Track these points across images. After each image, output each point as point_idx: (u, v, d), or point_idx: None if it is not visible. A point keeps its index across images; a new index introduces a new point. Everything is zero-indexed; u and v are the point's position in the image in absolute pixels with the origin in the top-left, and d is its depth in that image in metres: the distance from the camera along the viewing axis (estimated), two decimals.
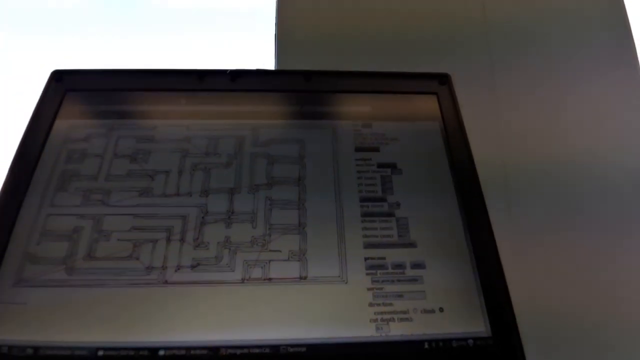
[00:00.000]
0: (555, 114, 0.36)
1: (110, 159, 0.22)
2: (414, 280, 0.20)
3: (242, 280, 0.19)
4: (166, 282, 0.19)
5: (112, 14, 0.57)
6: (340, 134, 0.23)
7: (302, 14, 0.35)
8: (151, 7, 0.58)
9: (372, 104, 0.24)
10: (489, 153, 0.32)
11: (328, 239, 0.20)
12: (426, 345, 0.18)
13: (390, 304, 0.19)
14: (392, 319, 0.18)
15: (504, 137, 0.35)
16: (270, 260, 0.19)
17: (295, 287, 0.19)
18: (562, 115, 0.36)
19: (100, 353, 0.17)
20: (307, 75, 0.25)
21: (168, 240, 0.20)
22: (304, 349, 0.18)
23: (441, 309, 0.19)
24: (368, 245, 0.20)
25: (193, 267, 0.19)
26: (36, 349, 0.17)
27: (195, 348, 0.17)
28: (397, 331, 0.18)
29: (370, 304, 0.19)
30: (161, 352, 0.17)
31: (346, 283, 0.19)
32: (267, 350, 0.17)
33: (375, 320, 0.18)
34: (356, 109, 0.24)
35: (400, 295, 0.19)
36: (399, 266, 0.20)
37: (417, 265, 0.20)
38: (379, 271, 0.20)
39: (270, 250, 0.20)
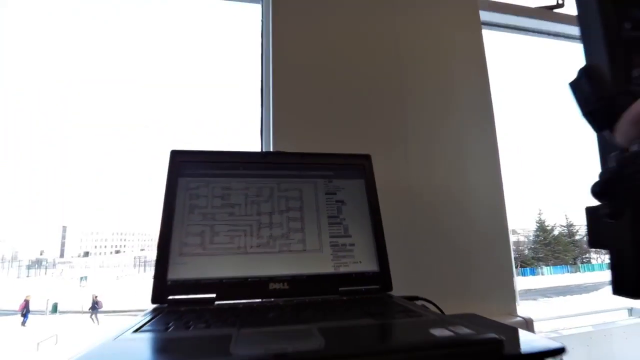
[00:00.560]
0: (432, 162, 0.66)
1: (211, 198, 0.47)
2: (350, 251, 0.47)
3: (279, 252, 0.45)
4: (247, 252, 0.44)
5: None
6: (318, 185, 0.50)
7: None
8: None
9: (333, 170, 0.52)
10: (394, 188, 0.61)
11: (314, 234, 0.47)
12: (353, 275, 0.45)
13: (340, 259, 0.46)
14: (340, 265, 0.45)
15: (403, 181, 0.64)
16: (290, 243, 0.46)
17: (301, 254, 0.45)
18: (437, 162, 0.66)
19: (224, 280, 0.42)
20: (302, 155, 0.52)
21: (245, 235, 0.45)
22: (304, 277, 0.44)
23: (360, 262, 0.46)
24: (331, 236, 0.47)
25: (257, 246, 0.45)
26: (197, 280, 0.42)
27: (256, 277, 0.43)
28: (342, 269, 0.45)
29: (332, 260, 0.46)
30: (249, 280, 0.43)
31: (322, 252, 0.46)
32: (288, 278, 0.44)
33: (334, 266, 0.45)
34: (325, 172, 0.51)
35: (344, 257, 0.46)
36: (344, 245, 0.47)
37: (351, 245, 0.47)
38: (336, 247, 0.47)
39: (290, 239, 0.46)
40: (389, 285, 0.45)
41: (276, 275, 0.44)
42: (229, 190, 0.48)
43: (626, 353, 0.89)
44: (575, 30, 1.05)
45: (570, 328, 0.91)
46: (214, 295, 0.42)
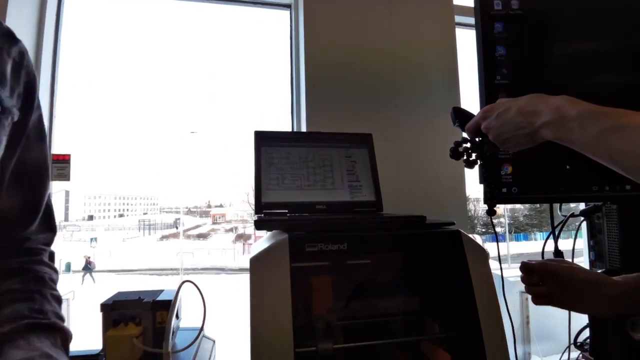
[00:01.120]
0: (412, 138, 1.02)
1: (280, 159, 0.83)
2: (359, 189, 0.84)
3: (320, 189, 0.82)
4: (302, 188, 0.81)
5: None
6: (340, 152, 0.86)
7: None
8: None
9: (349, 142, 0.87)
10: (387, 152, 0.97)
11: (339, 179, 0.84)
12: (361, 202, 0.83)
13: (354, 193, 0.83)
14: (354, 196, 0.83)
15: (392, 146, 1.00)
16: (325, 184, 0.82)
17: (332, 190, 0.82)
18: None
19: (291, 203, 0.79)
20: (331, 134, 0.87)
21: (301, 179, 0.82)
22: (334, 203, 0.81)
23: (365, 195, 0.83)
24: (349, 180, 0.84)
25: (308, 185, 0.82)
26: (277, 202, 0.79)
27: (308, 202, 0.80)
28: (355, 199, 0.82)
29: (349, 194, 0.83)
30: (304, 203, 0.80)
31: (343, 189, 0.83)
32: (325, 203, 0.81)
33: (350, 197, 0.82)
34: (344, 144, 0.87)
35: (356, 192, 0.83)
36: (355, 185, 0.84)
37: (360, 186, 0.84)
38: (351, 187, 0.83)
39: (325, 182, 0.83)
40: (380, 207, 0.83)
41: (319, 201, 0.81)
42: (290, 154, 0.84)
43: None
44: None
45: None
46: (286, 211, 0.78)
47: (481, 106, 0.69)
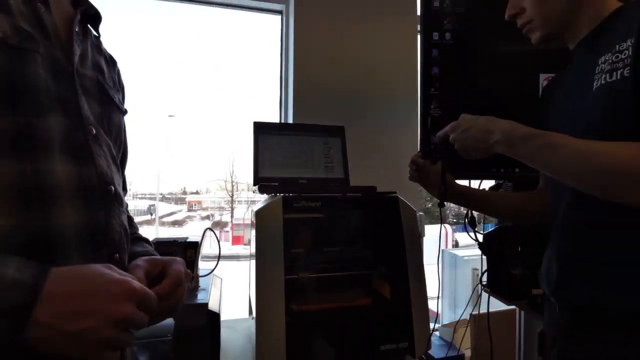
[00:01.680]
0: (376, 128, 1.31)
1: (274, 143, 1.10)
2: (332, 168, 1.12)
3: (304, 167, 1.10)
4: (289, 167, 1.09)
5: None
6: (320, 140, 1.14)
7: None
8: None
9: (327, 132, 1.15)
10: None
11: (318, 160, 1.12)
12: (333, 178, 1.11)
13: (328, 172, 1.11)
14: (328, 173, 1.11)
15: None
16: (307, 163, 1.10)
17: (313, 168, 1.10)
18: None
19: (281, 177, 1.07)
20: (313, 125, 1.15)
21: (289, 158, 1.10)
22: (313, 178, 1.09)
23: (337, 172, 1.12)
24: (325, 162, 1.12)
25: (296, 164, 1.09)
26: (271, 177, 1.06)
27: (294, 177, 1.08)
28: (329, 175, 1.11)
29: (324, 171, 1.11)
30: (289, 177, 1.07)
31: (321, 168, 1.11)
32: (307, 178, 1.09)
33: (325, 174, 1.11)
34: (323, 133, 1.15)
35: (330, 170, 1.11)
36: (330, 166, 1.12)
37: (332, 165, 1.12)
38: (327, 167, 1.12)
39: (307, 162, 1.11)
40: (347, 183, 1.11)
41: (301, 177, 1.08)
42: (281, 141, 1.11)
43: None
44: None
45: None
46: (277, 184, 1.06)
47: (421, 107, 0.98)
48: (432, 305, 0.97)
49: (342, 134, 1.18)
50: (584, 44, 0.66)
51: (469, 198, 0.90)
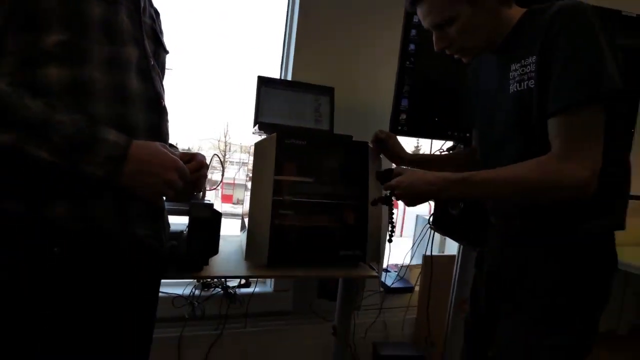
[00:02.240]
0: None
1: (275, 97, 1.33)
2: (320, 121, 1.37)
3: (299, 118, 1.34)
4: (288, 118, 1.33)
5: None
6: (312, 97, 1.38)
7: None
8: None
9: (318, 90, 1.39)
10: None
11: (310, 113, 1.36)
12: (321, 129, 1.36)
13: (317, 123, 1.37)
14: (317, 124, 1.36)
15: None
16: (301, 116, 1.35)
17: (305, 120, 1.35)
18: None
19: (280, 124, 1.31)
20: (307, 84, 1.38)
21: (285, 110, 1.34)
22: (306, 127, 1.34)
23: (325, 124, 1.37)
24: (315, 115, 1.37)
25: (292, 115, 1.34)
26: (269, 122, 1.30)
27: (290, 125, 1.33)
28: (317, 126, 1.36)
29: (315, 122, 1.36)
30: (286, 125, 1.32)
31: (312, 120, 1.36)
32: (300, 127, 1.33)
33: (315, 124, 1.36)
34: (315, 92, 1.39)
35: (319, 122, 1.36)
36: (319, 118, 1.37)
37: (320, 117, 1.37)
38: (316, 119, 1.36)
39: (300, 115, 1.35)
40: (332, 130, 1.36)
41: (296, 125, 1.33)
42: (282, 96, 1.34)
43: None
44: None
45: None
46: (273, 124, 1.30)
47: (398, 74, 1.23)
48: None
49: (332, 93, 1.41)
50: (498, 50, 0.79)
51: (421, 164, 1.14)
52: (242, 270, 1.05)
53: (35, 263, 0.55)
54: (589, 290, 0.72)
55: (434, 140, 1.53)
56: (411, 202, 0.85)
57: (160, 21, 0.85)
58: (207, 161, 0.92)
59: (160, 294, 0.81)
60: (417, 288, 1.83)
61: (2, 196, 0.54)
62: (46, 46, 0.56)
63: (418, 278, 1.81)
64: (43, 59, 0.56)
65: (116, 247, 0.62)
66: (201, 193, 1.07)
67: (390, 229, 1.02)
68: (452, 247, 1.96)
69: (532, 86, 0.69)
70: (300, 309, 1.63)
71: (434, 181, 0.78)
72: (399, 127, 1.29)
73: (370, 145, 1.17)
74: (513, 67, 0.74)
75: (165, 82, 0.87)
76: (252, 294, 1.51)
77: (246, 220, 1.17)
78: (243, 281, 1.50)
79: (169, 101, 0.78)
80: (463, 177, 0.75)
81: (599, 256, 0.74)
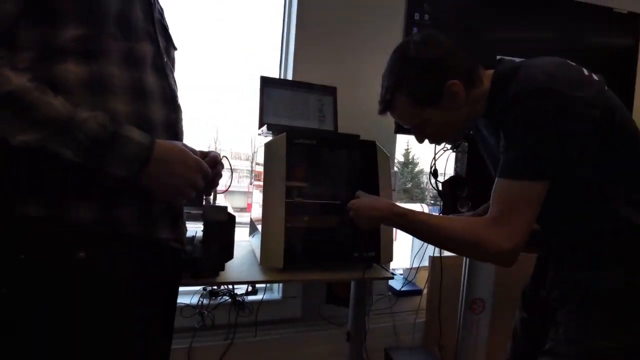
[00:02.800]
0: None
1: (277, 97, 1.33)
2: (324, 120, 1.37)
3: (301, 119, 1.34)
4: (291, 116, 1.33)
5: None
6: (315, 97, 1.38)
7: None
8: None
9: (321, 90, 1.39)
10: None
11: (313, 114, 1.36)
12: (325, 129, 1.36)
13: (320, 123, 1.37)
14: (319, 125, 1.36)
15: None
16: (304, 115, 1.35)
17: (308, 120, 1.35)
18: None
19: (286, 125, 1.31)
20: (310, 84, 1.38)
21: (288, 107, 1.34)
22: (310, 127, 1.34)
23: (327, 124, 1.37)
24: (319, 115, 1.37)
25: (294, 115, 1.34)
26: (276, 124, 1.30)
27: (295, 126, 1.33)
28: (320, 127, 1.36)
29: (318, 122, 1.36)
30: (291, 126, 1.32)
31: (315, 120, 1.36)
32: (306, 127, 1.33)
33: (319, 125, 1.36)
34: (318, 91, 1.39)
35: (322, 122, 1.36)
36: (322, 118, 1.37)
37: (324, 118, 1.37)
38: (319, 119, 1.37)
39: (303, 114, 1.35)
40: (337, 130, 1.37)
41: (298, 126, 1.32)
42: (282, 94, 1.34)
43: None
44: None
45: None
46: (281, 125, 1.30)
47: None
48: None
49: (334, 93, 1.42)
50: (484, 115, 0.82)
51: None
52: (258, 275, 1.03)
53: (59, 269, 0.53)
54: None
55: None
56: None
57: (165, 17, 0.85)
58: None
59: None
60: (425, 291, 1.83)
61: (23, 199, 0.52)
62: (63, 41, 0.55)
63: (427, 280, 1.81)
64: (61, 55, 0.55)
65: (140, 251, 0.61)
66: (211, 197, 1.06)
67: None
68: None
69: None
70: (309, 315, 1.60)
71: (381, 208, 0.86)
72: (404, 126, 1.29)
73: None
74: (499, 134, 0.76)
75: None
76: (261, 301, 1.48)
77: (257, 224, 1.16)
78: (250, 288, 1.48)
79: None
80: (405, 213, 0.82)
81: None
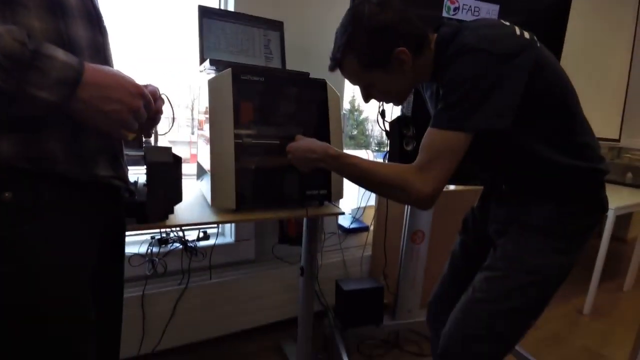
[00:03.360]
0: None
1: (216, 28, 1.22)
2: (270, 56, 1.30)
3: (246, 55, 1.26)
4: (237, 52, 1.24)
5: None
6: (260, 30, 1.29)
7: None
8: None
9: (267, 24, 1.30)
10: None
11: (259, 49, 1.29)
12: (272, 65, 1.30)
13: (267, 60, 1.30)
14: (266, 61, 1.30)
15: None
16: (248, 51, 1.27)
17: (254, 57, 1.27)
18: None
19: (232, 61, 1.22)
20: (253, 16, 1.28)
21: (233, 43, 1.24)
22: (254, 64, 1.27)
23: (273, 59, 1.31)
24: (265, 51, 1.30)
25: (238, 50, 1.25)
26: (217, 59, 1.21)
27: (239, 63, 1.25)
28: (267, 64, 1.29)
29: (264, 58, 1.29)
30: (238, 62, 1.24)
31: (261, 56, 1.29)
32: (252, 64, 1.26)
33: (265, 62, 1.29)
34: (264, 25, 1.30)
35: (268, 58, 1.30)
36: (269, 55, 1.30)
37: (271, 55, 1.30)
38: (266, 55, 1.29)
39: (248, 50, 1.27)
40: (285, 66, 1.31)
41: (243, 62, 1.25)
42: (225, 27, 1.24)
43: None
44: None
45: None
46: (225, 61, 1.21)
47: None
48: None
49: (282, 28, 1.34)
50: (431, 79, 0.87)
51: None
52: (210, 217, 1.01)
53: None
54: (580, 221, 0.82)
55: None
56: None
57: None
58: None
59: None
60: (371, 227, 1.96)
61: None
62: None
63: (373, 217, 1.93)
64: None
65: (76, 191, 0.56)
66: (152, 139, 0.99)
67: None
68: None
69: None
70: (263, 257, 1.65)
71: (316, 150, 0.90)
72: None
73: None
74: (439, 92, 0.82)
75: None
76: (214, 246, 1.49)
77: (205, 166, 1.12)
78: (202, 234, 1.46)
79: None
80: (339, 155, 0.86)
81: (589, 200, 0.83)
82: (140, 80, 0.74)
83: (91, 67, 0.51)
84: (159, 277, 1.36)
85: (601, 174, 0.83)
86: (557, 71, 0.80)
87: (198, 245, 1.44)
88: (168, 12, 1.58)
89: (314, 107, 1.16)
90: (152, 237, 1.36)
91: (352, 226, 1.94)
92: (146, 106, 0.58)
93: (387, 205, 1.78)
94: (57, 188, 0.53)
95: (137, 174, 1.01)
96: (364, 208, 2.01)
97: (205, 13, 1.21)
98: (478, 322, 0.85)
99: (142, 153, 0.88)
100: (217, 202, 1.01)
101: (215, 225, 1.51)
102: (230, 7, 1.47)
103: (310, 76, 1.19)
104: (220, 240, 1.55)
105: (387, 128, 1.41)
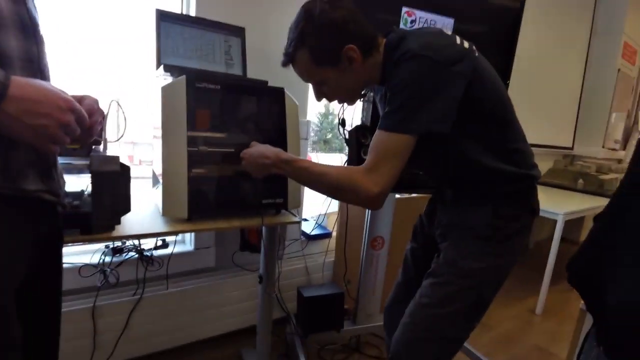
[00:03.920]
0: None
1: (175, 33, 1.21)
2: (231, 64, 1.30)
3: (206, 61, 1.25)
4: (199, 57, 1.23)
5: None
6: (221, 37, 1.29)
7: None
8: None
9: (228, 30, 1.30)
10: None
11: (219, 55, 1.28)
12: (232, 72, 1.30)
13: (228, 67, 1.30)
14: (227, 67, 1.30)
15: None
16: (209, 57, 1.26)
17: (215, 64, 1.27)
18: None
19: (189, 68, 1.21)
20: (216, 22, 1.28)
21: (190, 46, 1.24)
22: (216, 71, 1.26)
23: (235, 65, 1.31)
24: (225, 57, 1.29)
25: (198, 55, 1.24)
26: (177, 66, 1.19)
27: (200, 70, 1.24)
28: (228, 71, 1.30)
29: (225, 65, 1.29)
30: (198, 69, 1.23)
31: (221, 63, 1.28)
32: (210, 72, 1.25)
33: (226, 69, 1.29)
34: (225, 31, 1.30)
35: (230, 65, 1.30)
36: (230, 60, 1.30)
37: (232, 61, 1.31)
38: (227, 62, 1.29)
39: (209, 57, 1.26)
40: (245, 75, 1.32)
41: (203, 69, 1.24)
42: (184, 31, 1.23)
43: None
44: None
45: None
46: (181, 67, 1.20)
47: None
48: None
49: (243, 34, 1.34)
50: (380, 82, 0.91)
51: None
52: (161, 227, 1.00)
53: None
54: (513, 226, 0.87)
55: None
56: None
57: None
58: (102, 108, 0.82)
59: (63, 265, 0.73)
60: (334, 233, 1.99)
61: None
62: None
63: (335, 223, 1.96)
64: None
65: (2, 203, 0.54)
66: (102, 146, 0.96)
67: None
68: None
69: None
70: (223, 264, 1.64)
71: (269, 155, 0.92)
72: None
73: None
74: (386, 95, 0.83)
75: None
76: (172, 255, 1.46)
77: (159, 175, 1.10)
78: (160, 242, 1.44)
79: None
80: (290, 160, 0.89)
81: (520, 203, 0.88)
82: (83, 90, 0.72)
83: (18, 80, 0.50)
84: (112, 288, 1.32)
85: (533, 179, 0.89)
86: (493, 80, 0.85)
87: (156, 254, 1.41)
88: (135, 14, 1.54)
89: (272, 115, 1.17)
90: (107, 246, 1.32)
91: (314, 233, 1.96)
92: (79, 120, 0.57)
93: (348, 211, 1.81)
94: None
95: (86, 182, 0.98)
96: (327, 215, 2.03)
97: (163, 17, 1.20)
98: (424, 325, 0.89)
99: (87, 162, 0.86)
100: (168, 211, 1.00)
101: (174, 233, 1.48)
102: (192, 12, 1.46)
103: (272, 82, 1.20)
104: (180, 248, 1.53)
105: (347, 136, 1.44)
